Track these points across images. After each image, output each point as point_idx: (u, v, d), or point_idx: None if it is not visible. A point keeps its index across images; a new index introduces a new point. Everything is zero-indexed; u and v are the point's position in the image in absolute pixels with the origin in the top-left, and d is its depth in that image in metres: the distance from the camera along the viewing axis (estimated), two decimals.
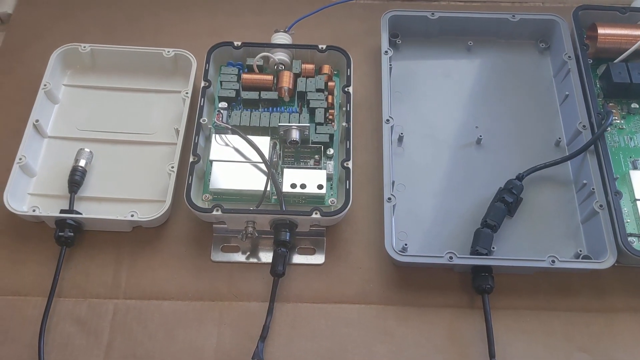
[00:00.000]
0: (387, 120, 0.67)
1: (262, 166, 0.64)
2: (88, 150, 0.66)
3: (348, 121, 0.66)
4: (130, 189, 0.66)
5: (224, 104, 0.68)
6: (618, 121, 0.69)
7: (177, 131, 0.67)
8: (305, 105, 0.69)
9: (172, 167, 0.64)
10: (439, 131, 0.70)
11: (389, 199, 0.62)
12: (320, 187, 0.63)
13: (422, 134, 0.70)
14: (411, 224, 0.65)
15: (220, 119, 0.66)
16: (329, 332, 0.60)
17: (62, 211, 0.62)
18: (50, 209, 0.64)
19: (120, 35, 0.78)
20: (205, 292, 0.62)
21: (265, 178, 0.63)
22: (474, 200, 0.66)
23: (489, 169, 0.68)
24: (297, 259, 0.64)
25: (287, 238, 0.61)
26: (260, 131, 0.67)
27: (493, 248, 0.62)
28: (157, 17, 0.80)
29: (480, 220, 0.63)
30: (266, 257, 0.63)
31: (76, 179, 0.64)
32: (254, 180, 0.63)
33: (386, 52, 0.72)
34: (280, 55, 0.71)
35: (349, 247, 0.64)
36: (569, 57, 0.71)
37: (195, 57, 0.71)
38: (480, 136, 0.69)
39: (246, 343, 0.59)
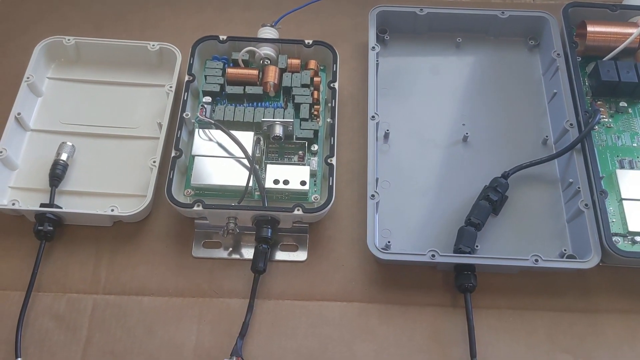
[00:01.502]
0: (373, 116, 0.66)
1: (245, 161, 0.63)
2: (70, 144, 0.66)
3: (333, 117, 0.65)
4: (112, 184, 0.65)
5: (208, 99, 0.67)
6: (606, 120, 0.68)
7: (160, 125, 0.66)
8: (291, 101, 0.68)
9: (154, 162, 0.64)
10: (426, 128, 0.70)
11: (373, 196, 0.62)
12: (303, 183, 0.62)
13: (408, 131, 0.69)
14: (396, 222, 0.64)
15: (204, 113, 0.66)
16: (309, 330, 0.59)
17: (42, 205, 0.62)
18: (31, 203, 0.63)
19: (107, 29, 0.78)
20: (186, 289, 0.61)
21: (247, 174, 0.62)
22: (460, 198, 0.65)
23: (476, 167, 0.67)
24: (280, 255, 0.63)
25: (269, 234, 0.60)
26: (245, 126, 0.66)
27: (477, 246, 0.61)
28: (144, 11, 0.79)
29: (464, 218, 0.63)
30: (248, 253, 0.63)
31: (57, 173, 0.64)
32: (237, 176, 0.63)
33: (373, 48, 0.71)
34: (266, 50, 0.70)
35: (332, 244, 0.64)
36: (558, 54, 0.70)
37: (181, 51, 0.71)
38: (467, 134, 0.68)
39: (226, 340, 0.58)
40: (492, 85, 0.73)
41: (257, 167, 0.63)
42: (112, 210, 0.61)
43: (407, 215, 0.65)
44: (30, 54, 0.70)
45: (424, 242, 0.63)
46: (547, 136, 0.68)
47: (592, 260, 0.58)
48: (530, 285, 0.62)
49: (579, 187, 0.62)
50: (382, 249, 0.60)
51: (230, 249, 0.63)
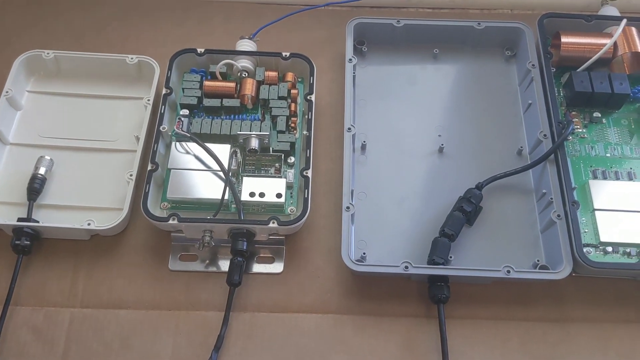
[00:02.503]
0: (349, 128, 0.67)
1: (221, 174, 0.63)
2: (48, 158, 0.66)
3: (309, 129, 0.66)
4: (89, 197, 0.66)
5: (185, 112, 0.68)
6: (580, 130, 0.69)
7: (137, 138, 0.66)
8: (268, 113, 0.69)
9: (131, 175, 0.64)
10: (403, 139, 0.70)
11: (348, 208, 0.62)
12: (279, 195, 0.63)
13: (385, 142, 0.70)
14: (371, 233, 0.64)
15: (180, 126, 0.66)
16: (285, 342, 0.60)
17: (19, 219, 0.62)
18: (9, 217, 0.63)
19: (88, 42, 0.78)
20: (162, 302, 0.61)
21: (223, 186, 0.62)
22: (435, 208, 0.66)
23: (451, 178, 0.68)
24: (256, 267, 0.64)
25: (244, 247, 0.61)
26: (221, 139, 0.66)
27: (450, 257, 0.62)
28: (126, 24, 0.80)
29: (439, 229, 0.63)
30: (225, 265, 0.63)
31: (35, 187, 0.64)
32: (213, 189, 0.63)
33: (350, 60, 0.72)
34: (244, 63, 0.70)
35: (308, 256, 0.64)
36: (533, 65, 0.71)
37: (160, 63, 0.71)
38: (443, 145, 0.69)
39: (202, 353, 0.59)
40: (469, 95, 0.73)
41: (234, 179, 0.64)
42: (89, 224, 0.61)
43: (383, 226, 0.65)
44: (10, 66, 0.71)
45: (399, 252, 0.63)
46: (522, 147, 0.69)
47: (563, 271, 0.59)
48: (504, 295, 0.62)
49: (551, 198, 0.63)
50: (358, 260, 0.60)
51: (207, 261, 0.64)
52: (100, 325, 0.60)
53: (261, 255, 0.64)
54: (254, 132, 0.65)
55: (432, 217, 0.65)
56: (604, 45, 0.70)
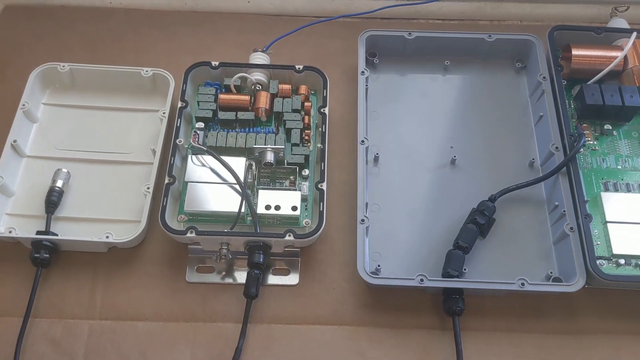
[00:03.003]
0: (362, 141, 0.68)
1: (237, 187, 0.64)
2: (65, 171, 0.67)
3: (323, 142, 0.67)
4: (106, 209, 0.66)
5: (200, 124, 0.69)
6: (591, 142, 0.70)
7: (154, 151, 0.67)
8: (282, 126, 0.69)
9: (148, 188, 0.65)
10: (415, 151, 0.71)
11: (362, 220, 0.63)
12: (294, 208, 0.63)
13: (398, 154, 0.71)
14: (385, 245, 0.65)
15: (197, 139, 0.67)
16: (302, 354, 0.60)
17: (38, 232, 0.63)
18: (27, 229, 0.64)
19: (102, 54, 0.79)
20: (180, 313, 0.62)
21: (240, 199, 0.63)
22: (448, 220, 0.66)
23: (463, 190, 0.68)
24: (272, 279, 0.64)
25: (261, 260, 0.61)
26: (237, 152, 0.67)
27: (465, 269, 0.63)
28: (139, 35, 0.80)
29: (453, 240, 0.64)
30: (241, 277, 0.64)
31: (53, 200, 0.65)
32: (229, 202, 0.64)
33: (363, 72, 0.72)
34: (258, 76, 0.71)
35: (323, 268, 0.65)
36: (544, 77, 0.72)
37: (175, 76, 0.72)
38: (455, 156, 0.70)
39: None
40: (480, 107, 0.74)
41: (249, 192, 0.65)
42: (107, 237, 0.62)
43: (397, 238, 0.66)
44: (26, 79, 0.71)
45: (413, 264, 0.64)
46: (533, 158, 0.70)
47: (577, 284, 0.59)
48: (518, 307, 0.63)
49: (564, 211, 0.63)
50: (372, 272, 0.61)
51: (223, 273, 0.64)
52: (118, 337, 0.61)
53: (277, 267, 0.65)
54: (269, 146, 0.66)
55: (445, 229, 0.66)
56: (614, 57, 0.71)
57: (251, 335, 0.61)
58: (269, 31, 0.79)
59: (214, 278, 0.64)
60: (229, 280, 0.64)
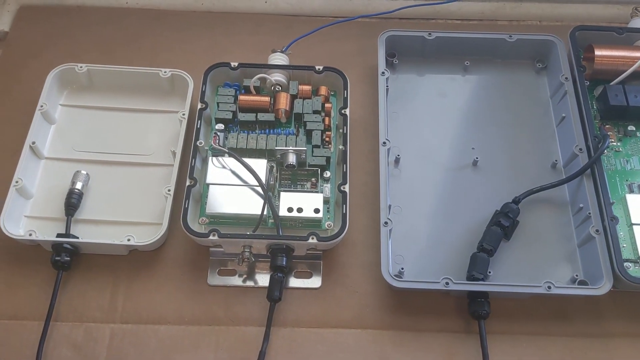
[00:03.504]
0: (384, 142, 0.67)
1: (259, 189, 0.64)
2: (85, 173, 0.66)
3: (345, 144, 0.66)
4: (126, 212, 0.66)
5: (220, 126, 0.68)
6: (614, 144, 0.69)
7: (174, 153, 0.67)
8: (302, 127, 0.69)
9: (169, 190, 0.64)
10: (436, 152, 0.71)
11: (386, 223, 0.62)
12: (317, 211, 0.63)
13: (418, 155, 0.70)
14: (408, 247, 0.65)
15: (217, 141, 0.66)
16: (325, 357, 0.60)
17: (58, 235, 0.62)
18: (47, 232, 0.64)
19: (118, 53, 0.78)
20: (202, 317, 0.62)
21: (261, 202, 0.63)
22: (470, 222, 0.66)
23: (485, 191, 0.68)
24: (294, 282, 0.64)
25: (284, 263, 0.61)
26: (257, 153, 0.67)
27: (489, 272, 0.62)
28: (155, 36, 0.80)
29: (476, 242, 0.64)
30: (263, 280, 0.63)
31: (73, 202, 0.64)
32: (251, 204, 0.63)
33: (383, 73, 0.72)
34: (277, 77, 0.71)
35: (345, 271, 0.64)
36: (566, 78, 0.71)
37: (192, 76, 0.71)
38: (477, 158, 0.69)
39: None
40: (500, 108, 0.74)
41: (271, 195, 0.64)
42: (129, 239, 0.61)
43: (419, 241, 0.65)
44: (42, 79, 0.71)
45: (436, 267, 0.63)
46: (556, 160, 0.69)
47: (604, 287, 0.59)
48: (542, 310, 0.62)
49: (589, 213, 0.63)
50: (396, 275, 0.60)
51: (245, 276, 0.64)
52: (140, 341, 0.60)
53: (299, 270, 0.64)
54: (291, 148, 0.65)
55: (467, 230, 0.65)
56: (637, 58, 0.70)
57: (274, 339, 0.61)
58: (286, 31, 0.79)
59: (236, 281, 0.64)
60: (251, 283, 0.64)
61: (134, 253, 0.64)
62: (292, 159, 0.65)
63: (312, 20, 0.82)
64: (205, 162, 0.67)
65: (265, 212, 0.62)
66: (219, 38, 0.80)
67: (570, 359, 0.60)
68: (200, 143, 0.66)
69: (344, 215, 0.62)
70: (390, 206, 0.65)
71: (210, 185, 0.64)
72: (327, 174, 0.66)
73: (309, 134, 0.68)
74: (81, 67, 0.72)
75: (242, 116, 0.68)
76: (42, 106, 0.69)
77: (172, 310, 0.62)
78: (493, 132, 0.72)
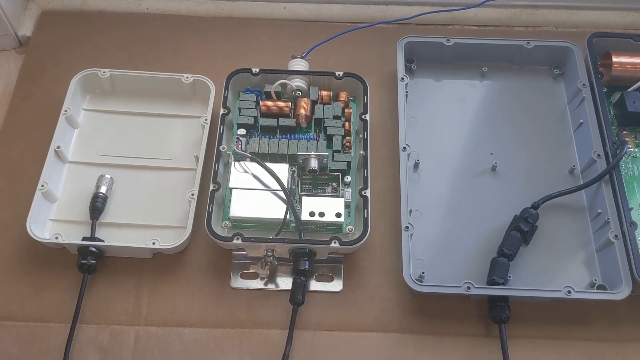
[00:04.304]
0: (404, 148, 0.68)
1: (281, 194, 0.64)
2: (109, 177, 0.67)
3: (365, 149, 0.67)
4: (150, 215, 0.67)
5: (242, 131, 0.69)
6: (632, 149, 0.70)
7: (197, 158, 0.67)
8: (323, 132, 0.70)
9: (192, 194, 0.65)
10: (454, 157, 0.71)
11: (407, 227, 0.63)
12: (338, 215, 0.64)
13: (437, 161, 0.71)
14: (428, 252, 0.65)
15: (240, 146, 0.67)
16: None
17: (84, 238, 0.63)
18: (72, 235, 0.64)
19: (138, 59, 0.79)
20: (226, 320, 0.62)
21: (284, 206, 0.63)
22: (489, 227, 0.67)
23: (504, 196, 0.68)
24: (315, 285, 0.65)
25: (307, 267, 0.62)
26: (279, 158, 0.67)
27: (509, 277, 0.63)
28: (175, 40, 0.81)
29: (495, 247, 0.64)
30: (284, 283, 0.64)
31: (98, 206, 0.65)
32: (273, 208, 0.64)
33: (402, 79, 0.72)
34: (298, 82, 0.71)
35: (366, 275, 0.65)
36: (584, 84, 0.72)
37: (213, 80, 0.72)
38: (496, 163, 0.70)
39: None
40: (518, 114, 0.74)
41: (293, 199, 0.65)
42: (153, 243, 0.62)
43: (439, 245, 0.66)
44: (65, 84, 0.71)
45: (456, 271, 0.64)
46: (574, 165, 0.70)
47: (623, 292, 0.60)
48: (561, 314, 0.63)
49: (608, 218, 0.63)
50: (417, 279, 0.61)
51: (266, 279, 0.65)
52: (165, 344, 0.61)
53: (320, 273, 0.65)
54: (313, 153, 0.66)
55: (487, 235, 0.66)
56: None
57: (297, 342, 0.61)
58: (305, 37, 0.79)
59: (258, 284, 0.64)
60: (272, 287, 0.64)
61: (157, 256, 0.65)
62: (314, 163, 0.66)
63: (330, 26, 0.83)
64: (227, 166, 0.67)
65: (287, 217, 0.63)
66: (238, 43, 0.81)
67: None
68: (223, 148, 0.67)
69: (365, 220, 0.62)
70: (410, 211, 0.65)
71: (233, 190, 0.65)
72: (348, 178, 0.67)
73: (329, 139, 0.69)
74: (104, 72, 0.73)
75: (263, 121, 0.69)
76: (66, 111, 0.70)
77: (196, 313, 0.63)
78: (511, 138, 0.72)
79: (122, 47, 0.80)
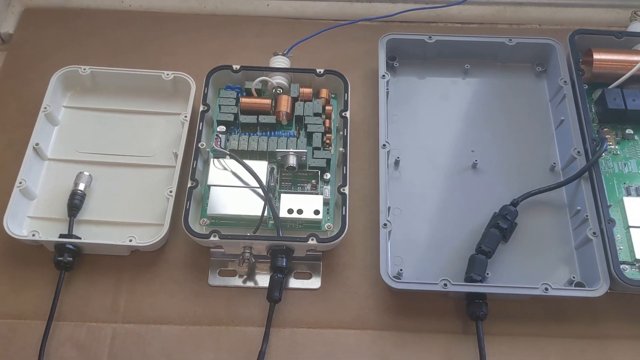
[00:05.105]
0: (384, 145, 0.68)
1: (260, 191, 0.64)
2: (87, 174, 0.67)
3: (345, 146, 0.67)
4: (128, 212, 0.66)
5: (222, 128, 0.69)
6: (613, 147, 0.70)
7: (176, 155, 0.67)
8: (303, 129, 0.70)
9: (171, 192, 0.65)
10: (436, 155, 0.71)
11: (385, 225, 0.63)
12: (317, 212, 0.64)
13: (418, 158, 0.71)
14: (407, 249, 0.65)
15: (219, 143, 0.67)
16: (325, 358, 0.61)
17: (61, 235, 0.63)
18: (50, 233, 0.64)
19: (121, 57, 0.79)
20: (203, 317, 0.62)
21: (262, 203, 0.63)
22: (469, 224, 0.66)
23: (485, 194, 0.68)
24: (294, 283, 0.64)
25: (284, 264, 0.62)
26: (258, 155, 0.67)
27: (487, 274, 0.62)
28: (160, 38, 0.80)
29: (474, 244, 0.64)
30: (263, 280, 0.64)
31: (75, 203, 0.65)
32: (252, 206, 0.64)
33: (383, 76, 0.72)
34: (279, 79, 0.71)
35: (345, 272, 0.65)
36: (565, 82, 0.72)
37: (197, 79, 0.72)
38: (476, 160, 0.70)
39: None
40: (500, 111, 0.74)
41: (272, 196, 0.65)
42: (131, 240, 0.62)
43: (418, 242, 0.66)
44: (46, 81, 0.71)
45: (435, 269, 0.64)
46: (554, 163, 0.70)
47: (600, 289, 0.59)
48: (541, 311, 0.63)
49: (586, 215, 0.63)
50: (394, 276, 0.61)
51: (245, 276, 0.65)
52: (142, 340, 0.61)
53: (298, 270, 0.65)
54: (291, 150, 0.66)
55: (466, 232, 0.66)
56: (636, 62, 0.71)
57: (274, 340, 0.61)
58: (289, 34, 0.79)
59: (236, 282, 0.64)
60: (251, 284, 0.64)
61: (135, 253, 0.65)
62: (292, 160, 0.66)
63: (314, 23, 0.82)
64: (206, 163, 0.67)
65: (265, 214, 0.63)
66: (222, 41, 0.81)
67: None
68: (202, 145, 0.66)
69: (343, 217, 0.62)
70: (389, 208, 0.65)
71: (212, 187, 0.65)
72: (327, 175, 0.67)
73: (309, 136, 0.69)
74: (85, 69, 0.72)
75: (243, 118, 0.69)
76: (45, 108, 0.70)
77: (174, 310, 0.63)
78: (492, 135, 0.72)
79: (106, 44, 0.80)
